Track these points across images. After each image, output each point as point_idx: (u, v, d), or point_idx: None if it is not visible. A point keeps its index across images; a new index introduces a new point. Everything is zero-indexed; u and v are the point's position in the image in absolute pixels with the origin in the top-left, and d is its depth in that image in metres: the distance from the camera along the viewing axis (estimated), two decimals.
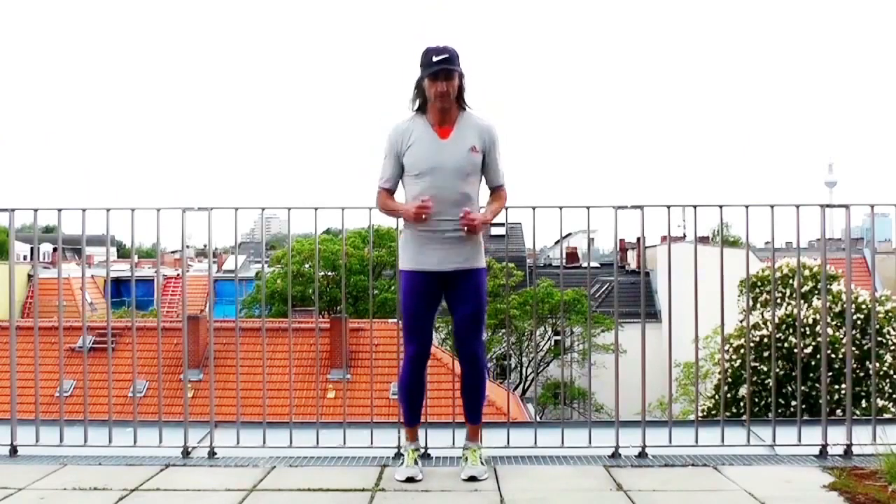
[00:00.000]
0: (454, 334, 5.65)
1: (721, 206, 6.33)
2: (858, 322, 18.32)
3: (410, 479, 5.41)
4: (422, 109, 5.56)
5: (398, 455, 6.02)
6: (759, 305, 21.36)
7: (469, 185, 5.49)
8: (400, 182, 5.64)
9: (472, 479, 5.42)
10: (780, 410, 16.89)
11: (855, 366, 17.23)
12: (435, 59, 5.31)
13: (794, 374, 16.61)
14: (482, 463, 5.60)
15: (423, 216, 5.34)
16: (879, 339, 18.89)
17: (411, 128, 5.53)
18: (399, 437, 6.08)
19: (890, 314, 19.39)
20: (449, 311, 5.66)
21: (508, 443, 6.18)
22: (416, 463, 5.59)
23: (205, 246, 7.93)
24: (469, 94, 5.54)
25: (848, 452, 6.08)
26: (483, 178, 5.64)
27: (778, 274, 20.74)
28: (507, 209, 6.28)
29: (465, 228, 5.37)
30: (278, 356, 23.82)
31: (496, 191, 5.71)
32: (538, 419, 10.05)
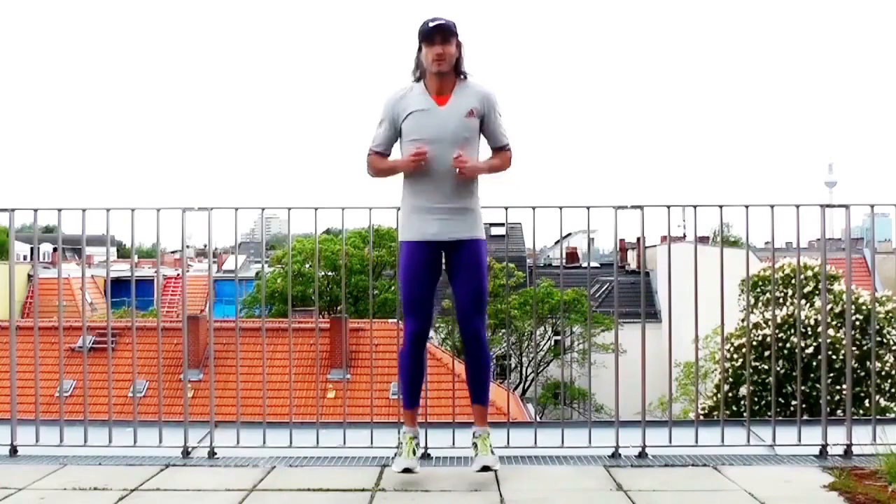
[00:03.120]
0: (456, 312, 5.59)
1: (721, 207, 6.33)
2: (858, 322, 18.36)
3: (408, 471, 5.34)
4: (421, 80, 5.53)
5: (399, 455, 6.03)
6: (759, 305, 21.39)
7: (468, 152, 5.42)
8: (396, 147, 5.60)
9: (486, 468, 5.34)
10: (779, 410, 16.90)
11: (855, 366, 17.24)
12: (431, 24, 5.31)
13: (794, 373, 16.62)
14: (493, 452, 5.50)
15: (422, 163, 5.33)
16: (879, 339, 18.93)
17: (408, 95, 5.50)
18: (399, 438, 6.09)
19: (890, 314, 19.42)
20: (450, 285, 5.61)
21: (508, 443, 6.17)
22: (413, 453, 5.50)
23: (205, 246, 7.94)
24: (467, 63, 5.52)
25: (848, 452, 6.07)
26: (486, 141, 5.61)
27: (778, 274, 20.78)
28: (506, 209, 6.29)
29: (458, 170, 5.34)
30: (278, 356, 23.82)
31: (498, 151, 5.64)
32: (538, 419, 10.07)
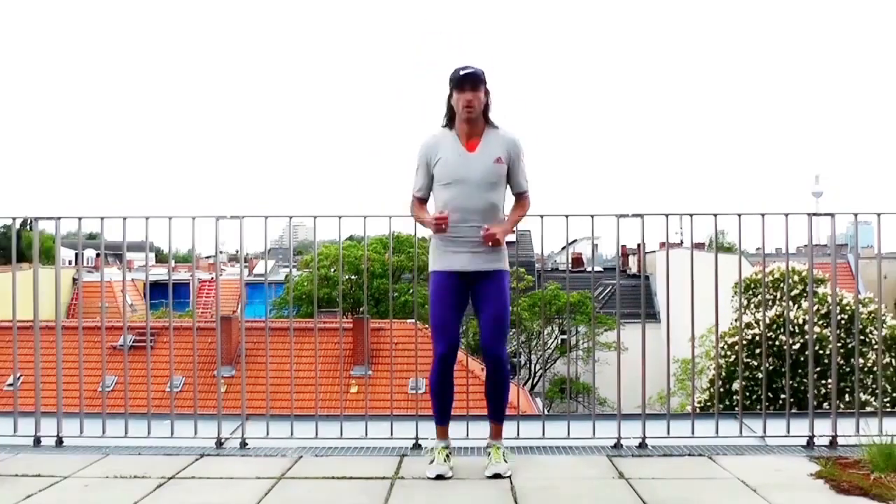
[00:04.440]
0: (480, 338, 5.56)
1: (715, 215, 6.32)
2: (843, 322, 18.30)
3: (440, 477, 5.31)
4: (451, 126, 5.56)
5: (416, 446, 6.01)
6: (751, 306, 21.33)
7: (494, 194, 5.49)
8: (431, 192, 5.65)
9: (497, 476, 5.31)
10: (769, 404, 16.84)
11: (840, 362, 17.19)
12: (462, 72, 5.35)
13: (783, 370, 16.55)
14: (505, 460, 5.49)
15: (443, 226, 5.35)
16: (862, 337, 18.85)
17: (440, 141, 5.54)
18: (417, 429, 6.09)
19: (872, 315, 19.33)
20: (475, 314, 5.61)
21: (518, 434, 6.18)
22: (445, 461, 5.48)
23: (237, 251, 7.92)
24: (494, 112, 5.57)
25: (833, 443, 6.05)
26: (508, 186, 5.64)
27: (769, 278, 20.73)
28: None
29: (490, 243, 5.39)
30: (305, 354, 23.85)
31: (519, 197, 5.70)
32: (546, 412, 10.03)
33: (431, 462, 5.50)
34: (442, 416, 5.65)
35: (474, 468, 5.47)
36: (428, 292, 5.67)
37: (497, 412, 5.67)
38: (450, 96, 5.47)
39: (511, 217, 5.69)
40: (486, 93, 5.46)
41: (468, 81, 5.35)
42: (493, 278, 5.51)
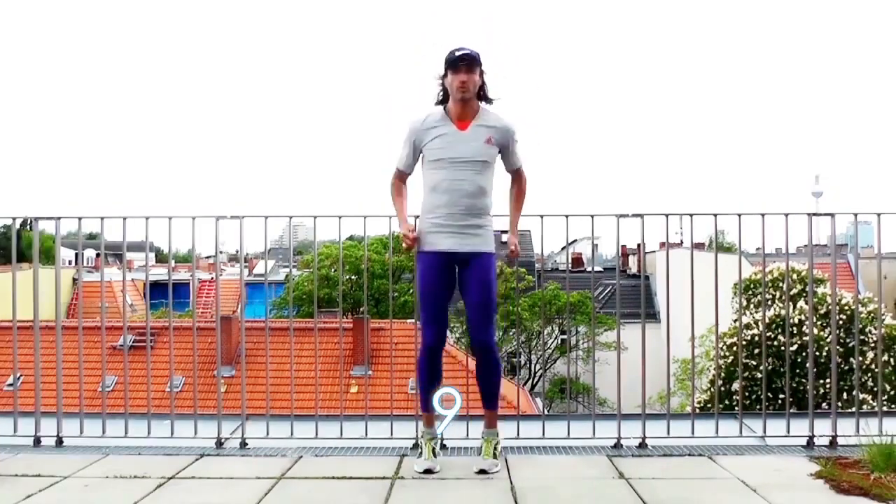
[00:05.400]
0: (468, 325, 5.57)
1: (715, 215, 6.32)
2: (842, 322, 18.30)
3: (429, 471, 5.34)
4: (444, 105, 5.55)
5: (416, 446, 6.01)
6: (751, 307, 21.34)
7: (484, 177, 5.47)
8: (419, 166, 5.64)
9: (482, 472, 5.34)
10: (769, 404, 16.85)
11: (839, 362, 17.19)
12: (457, 53, 5.35)
13: (782, 370, 16.57)
14: (495, 455, 5.52)
15: (405, 245, 5.53)
16: (862, 337, 18.86)
17: (431, 120, 5.52)
18: (417, 429, 6.08)
19: (872, 315, 19.34)
20: (462, 298, 5.60)
21: (518, 434, 6.18)
22: (433, 454, 5.53)
23: (237, 251, 7.92)
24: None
25: (833, 443, 6.05)
26: (503, 164, 5.66)
27: (768, 278, 20.74)
28: None
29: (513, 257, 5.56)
30: (305, 354, 23.84)
31: (515, 174, 5.75)
32: (546, 412, 10.04)
33: (420, 456, 5.55)
34: (428, 403, 5.67)
35: (474, 468, 5.47)
36: None
37: (489, 399, 5.65)
38: (444, 76, 5.46)
39: (514, 211, 5.79)
40: (481, 74, 5.45)
41: (463, 62, 5.34)
42: (479, 262, 5.49)
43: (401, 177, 5.73)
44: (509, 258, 5.60)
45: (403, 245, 5.55)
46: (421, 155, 5.58)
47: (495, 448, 5.59)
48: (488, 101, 5.54)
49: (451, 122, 5.48)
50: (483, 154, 5.44)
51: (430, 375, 5.62)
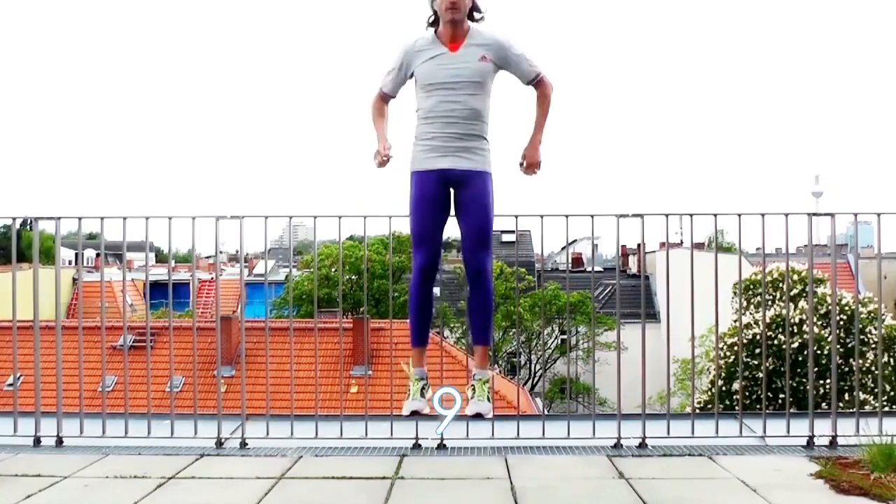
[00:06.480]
0: (462, 248, 5.27)
1: (715, 215, 6.32)
2: (842, 322, 18.29)
3: (415, 413, 5.17)
4: (434, 28, 5.32)
5: (416, 446, 6.01)
6: (751, 307, 21.33)
7: (479, 100, 5.21)
8: (409, 92, 5.40)
9: (478, 416, 5.14)
10: (769, 404, 16.84)
11: (839, 362, 17.19)
12: None
13: (783, 370, 16.56)
14: (489, 399, 5.25)
15: (378, 162, 5.21)
16: (862, 337, 18.85)
17: (422, 43, 5.30)
18: (417, 429, 6.08)
19: (872, 315, 19.33)
20: (457, 222, 5.31)
21: (518, 434, 6.19)
22: (421, 394, 5.27)
23: (237, 251, 7.92)
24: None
25: (833, 443, 6.05)
26: (519, 80, 5.37)
27: (768, 278, 20.72)
28: (516, 217, 6.27)
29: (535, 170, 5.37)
30: (305, 354, 23.81)
31: (538, 85, 5.39)
32: (546, 412, 10.04)
33: (407, 398, 5.28)
34: (419, 337, 5.41)
35: (474, 467, 5.48)
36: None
37: (481, 332, 5.37)
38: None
39: (537, 125, 5.45)
40: None
41: None
42: (476, 183, 5.21)
43: (384, 98, 5.50)
44: (525, 170, 5.37)
45: (375, 162, 5.24)
46: (413, 79, 5.35)
47: (489, 391, 5.30)
48: (474, 19, 5.30)
49: (443, 44, 5.24)
50: (478, 74, 5.19)
51: (421, 302, 5.29)
